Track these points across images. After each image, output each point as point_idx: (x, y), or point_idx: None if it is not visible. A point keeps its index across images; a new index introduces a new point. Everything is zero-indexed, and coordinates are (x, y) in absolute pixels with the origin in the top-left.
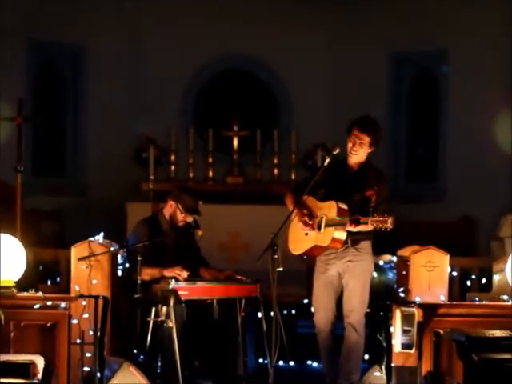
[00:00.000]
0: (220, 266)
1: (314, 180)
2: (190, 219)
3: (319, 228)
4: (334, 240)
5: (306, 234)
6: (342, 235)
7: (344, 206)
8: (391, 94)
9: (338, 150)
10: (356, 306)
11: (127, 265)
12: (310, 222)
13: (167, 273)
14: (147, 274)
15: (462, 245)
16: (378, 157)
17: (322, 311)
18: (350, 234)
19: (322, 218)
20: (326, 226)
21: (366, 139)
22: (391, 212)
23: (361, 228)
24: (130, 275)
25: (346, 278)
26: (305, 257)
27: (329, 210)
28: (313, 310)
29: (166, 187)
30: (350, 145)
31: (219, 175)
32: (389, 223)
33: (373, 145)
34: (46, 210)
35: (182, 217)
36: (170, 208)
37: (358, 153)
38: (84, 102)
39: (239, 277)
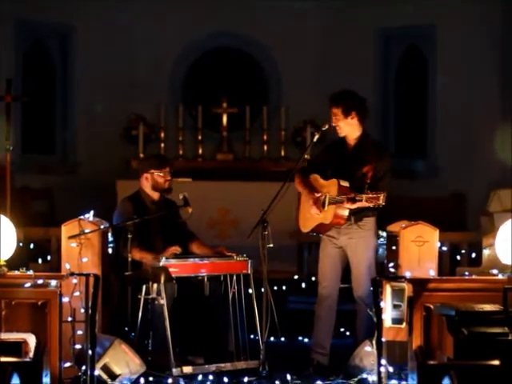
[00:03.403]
0: (209, 242)
1: (303, 155)
2: (169, 177)
3: (323, 206)
4: (335, 217)
5: None
6: (343, 212)
7: (345, 184)
8: (379, 70)
9: (327, 127)
10: (363, 281)
11: (112, 245)
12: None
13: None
14: (138, 257)
15: (451, 220)
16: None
17: (325, 282)
18: (353, 211)
19: (325, 196)
20: (329, 203)
21: (337, 110)
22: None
23: (358, 205)
24: (118, 254)
25: (350, 255)
26: (313, 233)
27: (331, 187)
28: (318, 281)
29: None
30: (333, 124)
31: (209, 152)
32: (380, 200)
33: (348, 114)
34: (36, 189)
35: (161, 177)
36: (146, 181)
37: (340, 127)
38: (73, 81)
39: (229, 253)
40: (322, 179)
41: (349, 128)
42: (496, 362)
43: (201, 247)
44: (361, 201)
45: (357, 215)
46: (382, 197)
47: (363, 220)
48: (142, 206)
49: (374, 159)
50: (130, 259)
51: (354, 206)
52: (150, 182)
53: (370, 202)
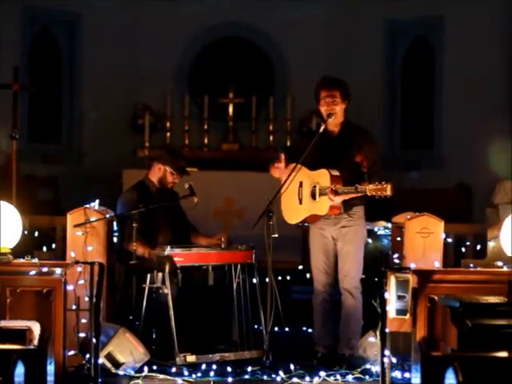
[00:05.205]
0: (215, 232)
1: (309, 147)
2: (177, 181)
3: (314, 197)
4: (332, 207)
5: (300, 203)
6: (338, 202)
7: (336, 173)
8: (387, 60)
9: (332, 117)
10: (351, 272)
11: (117, 234)
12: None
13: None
14: (141, 252)
15: (457, 211)
16: (374, 124)
17: (321, 277)
18: (344, 200)
19: (315, 186)
20: (321, 194)
21: (337, 93)
22: (386, 177)
23: (341, 198)
24: (122, 244)
25: (339, 244)
26: (300, 224)
27: (321, 178)
28: (312, 275)
29: None
30: (323, 108)
31: (214, 142)
32: (388, 191)
33: (345, 98)
34: (42, 177)
35: (172, 178)
36: (158, 172)
37: (336, 110)
38: (80, 70)
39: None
40: (308, 170)
41: (340, 114)
42: (500, 354)
43: (203, 240)
44: (347, 193)
45: (346, 204)
46: (389, 187)
47: (353, 209)
48: (147, 194)
49: (362, 145)
50: (134, 249)
51: (336, 198)
52: (160, 175)
53: (376, 192)
